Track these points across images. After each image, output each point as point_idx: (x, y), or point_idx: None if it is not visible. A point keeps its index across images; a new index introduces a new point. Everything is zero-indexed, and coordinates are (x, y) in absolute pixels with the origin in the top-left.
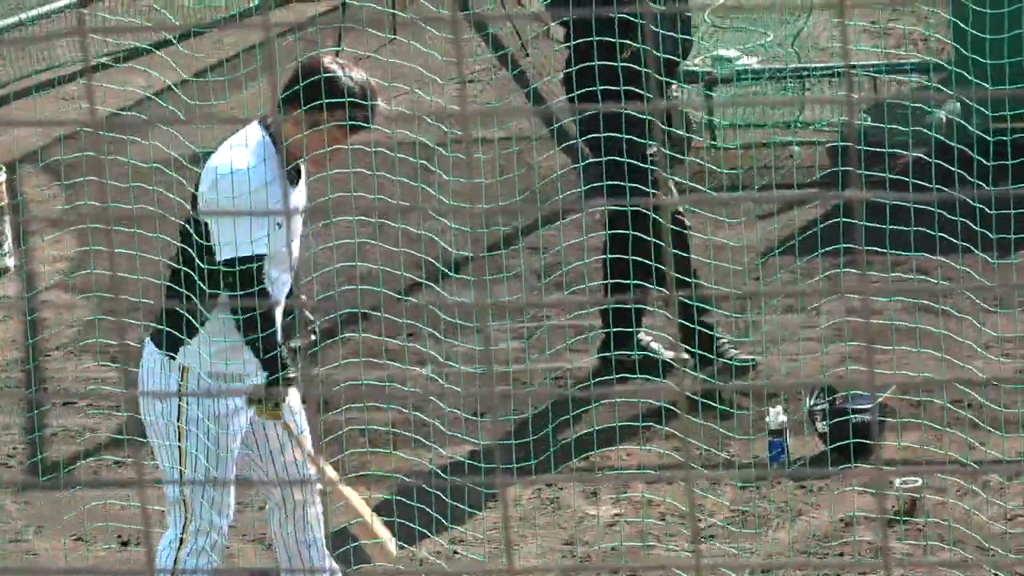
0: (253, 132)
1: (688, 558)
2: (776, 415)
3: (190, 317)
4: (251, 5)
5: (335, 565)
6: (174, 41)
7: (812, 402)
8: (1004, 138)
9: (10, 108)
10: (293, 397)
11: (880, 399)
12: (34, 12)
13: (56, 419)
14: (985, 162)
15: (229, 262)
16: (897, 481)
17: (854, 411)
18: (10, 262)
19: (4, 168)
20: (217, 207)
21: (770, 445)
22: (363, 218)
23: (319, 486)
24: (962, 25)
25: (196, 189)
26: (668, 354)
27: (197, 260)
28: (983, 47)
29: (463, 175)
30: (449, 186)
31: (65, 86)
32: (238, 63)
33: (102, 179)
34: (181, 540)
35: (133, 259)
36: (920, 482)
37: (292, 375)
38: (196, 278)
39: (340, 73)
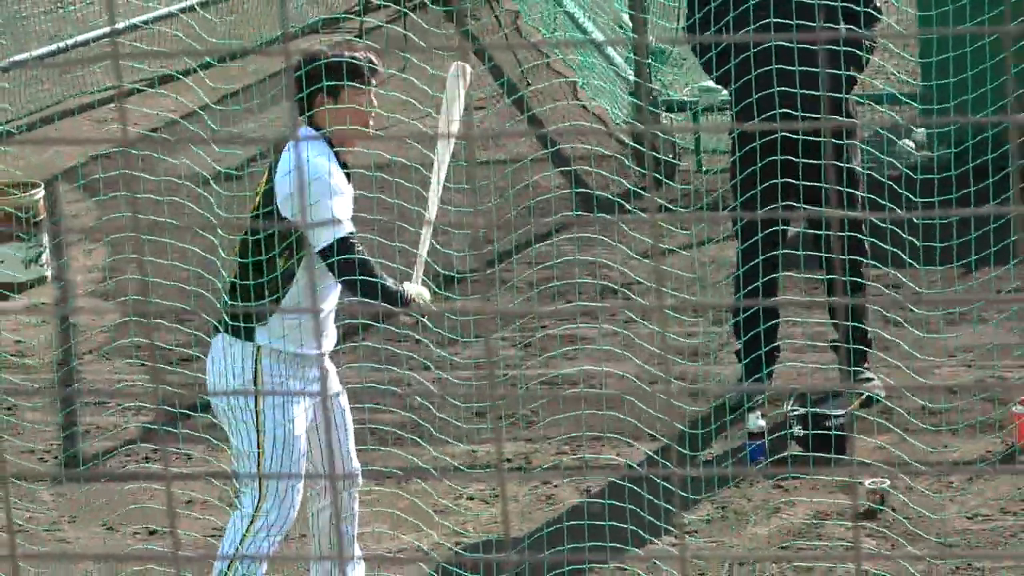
0: (307, 134)
1: (672, 551)
2: (755, 419)
3: (264, 298)
4: (274, 35)
5: (360, 552)
6: (198, 69)
7: (789, 407)
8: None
9: (48, 129)
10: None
11: (851, 407)
12: (71, 40)
13: (89, 417)
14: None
15: (332, 248)
16: (867, 481)
17: (828, 416)
18: (47, 272)
19: (42, 185)
20: (306, 191)
21: (749, 447)
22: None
23: (360, 483)
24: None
25: (268, 180)
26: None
27: (272, 249)
28: (948, 80)
29: (466, 194)
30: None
31: (99, 109)
32: (261, 89)
33: (134, 194)
34: (253, 517)
35: (161, 266)
36: (888, 482)
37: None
38: (266, 267)
39: (335, 53)
